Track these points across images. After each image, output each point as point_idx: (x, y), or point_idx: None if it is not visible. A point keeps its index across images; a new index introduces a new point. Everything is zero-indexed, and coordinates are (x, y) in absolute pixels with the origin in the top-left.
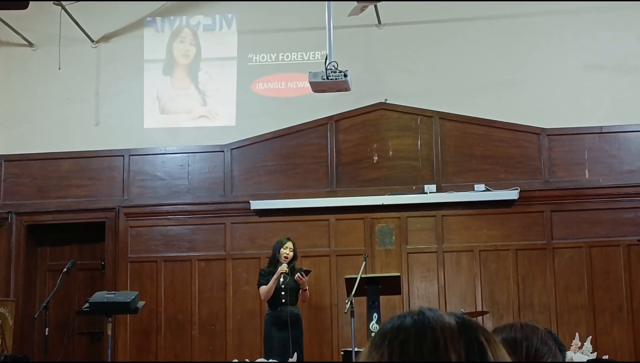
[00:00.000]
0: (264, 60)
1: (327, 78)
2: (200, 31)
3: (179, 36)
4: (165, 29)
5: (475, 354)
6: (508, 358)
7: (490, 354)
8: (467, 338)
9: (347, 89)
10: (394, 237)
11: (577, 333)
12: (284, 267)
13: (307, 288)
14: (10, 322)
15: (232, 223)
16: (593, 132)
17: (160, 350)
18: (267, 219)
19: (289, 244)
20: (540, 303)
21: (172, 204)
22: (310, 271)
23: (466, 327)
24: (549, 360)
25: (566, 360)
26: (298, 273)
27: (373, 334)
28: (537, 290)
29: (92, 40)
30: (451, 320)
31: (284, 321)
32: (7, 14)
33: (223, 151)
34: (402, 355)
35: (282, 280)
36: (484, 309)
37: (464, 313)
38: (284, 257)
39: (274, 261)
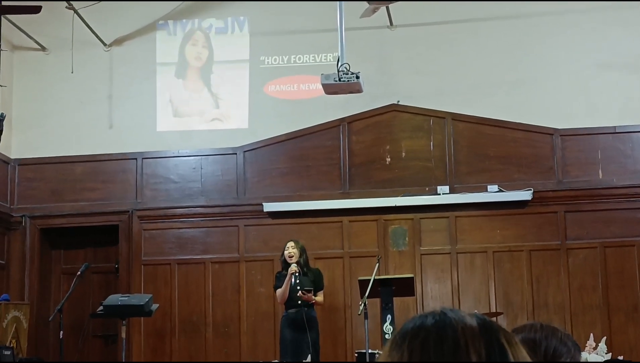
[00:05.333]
0: (276, 62)
1: (340, 80)
2: (213, 34)
3: (191, 39)
4: (177, 32)
5: (496, 355)
6: (529, 360)
7: (511, 356)
8: (488, 339)
9: (359, 90)
10: (407, 238)
11: (591, 334)
12: (292, 267)
13: (316, 299)
14: (25, 325)
15: (245, 225)
16: (606, 132)
17: (175, 352)
18: (280, 222)
19: (289, 244)
20: (554, 303)
21: (185, 207)
22: (311, 289)
23: (487, 328)
24: (567, 361)
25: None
26: (300, 292)
27: (388, 335)
28: (551, 291)
29: (105, 44)
30: (472, 321)
31: (300, 322)
32: (20, 19)
33: (236, 154)
34: (423, 354)
35: (296, 281)
36: (498, 310)
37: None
38: (289, 257)
39: (284, 265)
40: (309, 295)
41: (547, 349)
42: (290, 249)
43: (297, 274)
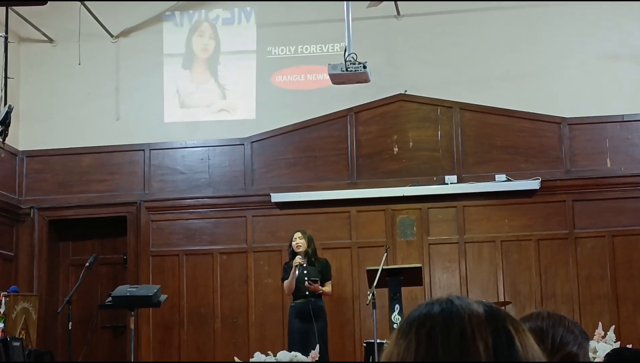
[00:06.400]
0: (283, 53)
1: (347, 70)
2: (219, 25)
3: (198, 30)
4: (184, 23)
5: (502, 343)
6: (537, 348)
7: (518, 343)
8: (495, 326)
9: (366, 80)
10: (415, 228)
11: (600, 323)
12: (297, 260)
13: (324, 289)
14: (34, 317)
15: (253, 216)
16: (614, 120)
17: (183, 343)
18: (288, 212)
19: (297, 234)
20: (562, 293)
21: (193, 198)
22: (317, 279)
23: (494, 315)
24: (574, 349)
25: (589, 350)
26: (307, 283)
27: (396, 325)
28: (559, 280)
29: (112, 36)
30: (479, 309)
31: (307, 313)
32: (27, 11)
33: (243, 145)
34: (429, 343)
35: (303, 272)
36: (506, 300)
37: None
38: (297, 247)
39: (292, 256)
40: (316, 285)
41: (554, 338)
42: (298, 239)
43: (302, 265)
